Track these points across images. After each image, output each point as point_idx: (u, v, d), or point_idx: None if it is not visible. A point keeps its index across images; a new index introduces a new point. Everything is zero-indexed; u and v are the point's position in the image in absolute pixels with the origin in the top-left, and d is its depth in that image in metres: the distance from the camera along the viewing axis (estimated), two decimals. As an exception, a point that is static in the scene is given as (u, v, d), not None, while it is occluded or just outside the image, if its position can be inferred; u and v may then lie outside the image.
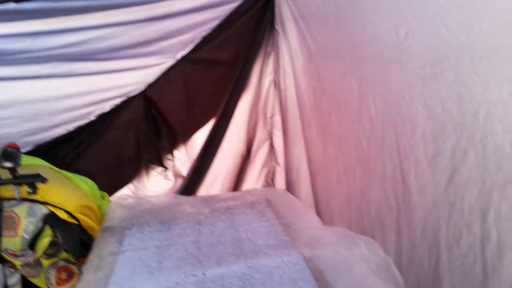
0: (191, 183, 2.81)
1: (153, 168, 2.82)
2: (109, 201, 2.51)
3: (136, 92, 2.38)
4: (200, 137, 2.77)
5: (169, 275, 1.61)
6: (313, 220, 2.13)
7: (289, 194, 2.58)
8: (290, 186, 2.84)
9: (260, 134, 2.92)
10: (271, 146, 3.01)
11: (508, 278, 1.26)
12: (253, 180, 2.98)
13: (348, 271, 1.54)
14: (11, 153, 1.66)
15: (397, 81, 1.64)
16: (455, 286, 1.50)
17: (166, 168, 2.86)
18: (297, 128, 2.64)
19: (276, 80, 2.79)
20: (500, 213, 1.27)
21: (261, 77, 2.77)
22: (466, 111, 1.33)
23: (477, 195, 1.34)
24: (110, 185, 2.63)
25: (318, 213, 2.48)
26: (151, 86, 2.41)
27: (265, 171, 3.03)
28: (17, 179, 1.72)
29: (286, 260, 1.64)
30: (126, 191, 2.70)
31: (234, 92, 2.70)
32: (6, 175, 1.77)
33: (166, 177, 2.88)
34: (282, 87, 2.69)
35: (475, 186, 1.35)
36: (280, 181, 2.96)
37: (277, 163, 2.98)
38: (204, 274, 1.60)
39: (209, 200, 2.55)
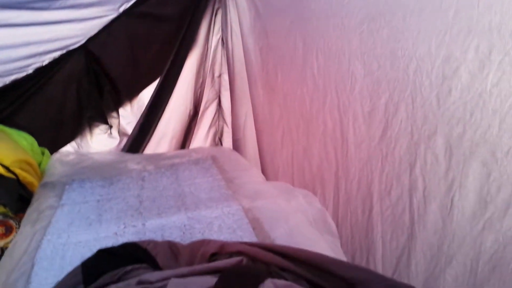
0: (136, 141, 2.77)
1: (96, 126, 2.75)
2: (50, 158, 2.45)
3: (76, 45, 2.29)
4: (147, 94, 2.72)
5: (108, 226, 1.61)
6: (257, 176, 2.18)
7: (235, 153, 2.61)
8: (236, 145, 2.86)
9: (208, 94, 2.90)
10: (219, 105, 3.00)
11: (432, 225, 1.35)
12: (200, 139, 2.98)
13: (285, 220, 1.60)
14: None
15: (337, 37, 1.67)
16: (386, 234, 1.58)
17: (110, 126, 2.80)
18: (244, 87, 2.64)
19: (224, 39, 2.76)
20: (426, 164, 1.35)
21: (208, 35, 2.73)
22: (398, 66, 1.38)
23: (406, 147, 1.41)
24: (51, 142, 2.56)
25: (263, 170, 2.53)
26: (92, 39, 2.32)
27: (212, 130, 3.03)
28: None
29: (226, 211, 1.68)
30: (68, 149, 2.63)
31: (181, 50, 2.65)
32: None
33: (110, 135, 2.82)
34: (230, 45, 2.67)
35: (404, 139, 1.42)
36: (227, 141, 2.98)
37: (225, 122, 2.99)
38: (143, 224, 1.61)
39: (155, 157, 2.54)
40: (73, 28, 2.20)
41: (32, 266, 1.36)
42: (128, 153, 2.69)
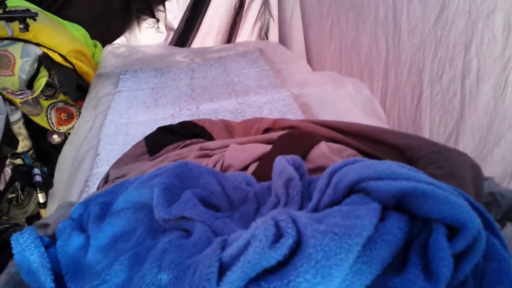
0: (183, 36, 2.79)
1: (144, 20, 2.77)
2: (102, 50, 2.52)
3: None
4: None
5: (164, 108, 1.70)
6: (304, 67, 2.18)
7: (282, 46, 2.60)
8: (283, 40, 2.83)
9: (252, -15, 2.82)
10: (265, -1, 2.93)
11: (483, 106, 1.35)
12: (246, 34, 2.95)
13: (334, 105, 1.63)
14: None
15: None
16: (434, 119, 1.60)
17: (157, 19, 2.82)
18: (292, -21, 2.55)
19: None
20: (482, 44, 1.31)
21: None
22: None
23: (462, 28, 1.37)
24: (101, 36, 2.62)
25: (310, 64, 2.52)
26: None
27: (258, 24, 2.98)
28: (7, 14, 1.70)
29: (276, 97, 1.72)
30: (118, 42, 2.69)
31: None
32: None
33: (157, 29, 2.85)
34: None
35: (461, 19, 1.37)
36: (273, 35, 2.94)
37: (271, 16, 2.92)
38: (197, 108, 1.69)
39: (202, 51, 2.57)
40: None
41: (99, 141, 1.48)
42: (175, 47, 2.73)
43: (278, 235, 0.57)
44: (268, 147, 1.03)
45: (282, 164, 0.79)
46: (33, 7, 2.06)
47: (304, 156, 0.91)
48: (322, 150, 0.91)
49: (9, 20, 1.72)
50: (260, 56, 2.28)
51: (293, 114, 1.56)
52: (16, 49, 1.88)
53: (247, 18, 2.93)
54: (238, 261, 0.52)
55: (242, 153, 1.00)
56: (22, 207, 1.89)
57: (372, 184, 0.55)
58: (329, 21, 2.29)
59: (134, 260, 0.66)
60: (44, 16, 2.06)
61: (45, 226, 0.89)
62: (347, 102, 1.67)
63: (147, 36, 2.81)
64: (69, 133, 2.15)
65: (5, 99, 1.88)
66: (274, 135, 1.13)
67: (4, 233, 0.97)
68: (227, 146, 1.11)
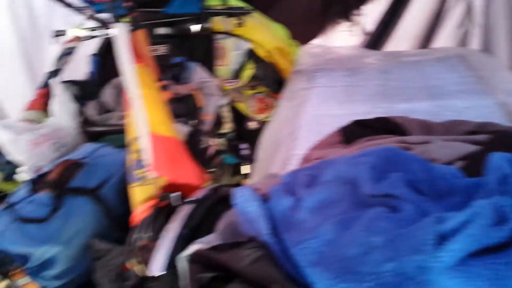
0: (377, 39, 2.79)
1: (339, 23, 2.86)
2: (298, 50, 2.69)
3: None
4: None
5: (358, 105, 1.75)
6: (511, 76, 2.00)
7: (484, 53, 2.42)
8: (486, 47, 2.62)
9: (458, -9, 2.68)
10: (468, 4, 2.74)
11: None
12: (444, 40, 2.81)
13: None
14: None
15: None
16: None
17: (353, 23, 2.88)
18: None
19: None
20: None
21: None
22: None
23: None
24: (299, 36, 2.78)
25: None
26: None
27: (459, 31, 2.82)
28: (228, 10, 1.95)
29: (478, 103, 1.62)
30: (314, 42, 2.84)
31: None
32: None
33: (352, 33, 2.91)
34: None
35: None
36: (475, 42, 2.74)
37: (473, 23, 2.73)
38: (391, 107, 1.69)
39: (396, 54, 2.55)
40: None
41: (296, 129, 1.61)
42: (368, 50, 2.75)
43: (498, 220, 0.56)
44: (474, 147, 0.99)
45: (498, 160, 0.77)
46: (246, 6, 2.30)
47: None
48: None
49: (229, 15, 1.97)
50: (460, 62, 2.16)
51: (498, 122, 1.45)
52: (229, 43, 2.14)
53: (447, 24, 2.79)
54: (458, 234, 0.54)
55: (447, 149, 0.98)
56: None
57: None
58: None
59: (341, 224, 0.71)
60: (255, 14, 2.29)
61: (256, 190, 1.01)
62: None
63: (341, 38, 2.89)
64: (264, 121, 2.36)
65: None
66: (482, 137, 1.08)
67: (219, 190, 1.13)
68: (427, 142, 1.10)
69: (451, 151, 0.98)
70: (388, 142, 1.14)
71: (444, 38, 2.81)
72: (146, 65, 1.11)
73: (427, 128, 1.30)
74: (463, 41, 2.80)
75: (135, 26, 1.04)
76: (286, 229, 0.78)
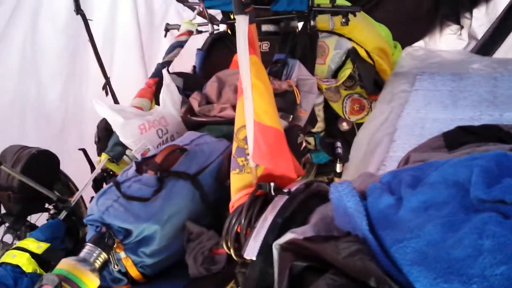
0: (487, 45, 2.63)
1: (448, 26, 2.73)
2: (401, 51, 2.61)
3: None
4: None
5: (463, 110, 1.67)
6: None
7: None
8: None
9: None
10: None
11: None
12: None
13: None
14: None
15: None
16: None
17: (462, 26, 2.74)
18: None
19: None
20: None
21: None
22: None
23: None
24: (402, 37, 2.71)
25: None
26: None
27: None
28: (335, 9, 1.95)
29: None
30: (418, 44, 2.74)
31: None
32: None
33: (459, 36, 2.77)
34: None
35: None
36: None
37: None
38: (501, 115, 1.59)
39: (506, 61, 2.38)
40: None
41: (395, 130, 1.57)
42: (476, 55, 2.60)
43: None
44: None
45: None
46: (353, 5, 2.28)
47: None
48: None
49: (334, 14, 1.97)
50: None
51: None
52: (331, 41, 2.14)
53: None
54: None
55: None
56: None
57: None
58: None
59: (448, 226, 0.69)
60: (359, 14, 2.27)
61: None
62: None
63: (447, 42, 2.77)
64: (357, 123, 2.32)
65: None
66: None
67: (312, 185, 1.14)
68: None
69: None
70: (500, 149, 1.07)
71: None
72: (258, 57, 1.15)
73: (541, 139, 1.21)
74: None
75: (250, 20, 1.09)
76: (385, 227, 0.77)
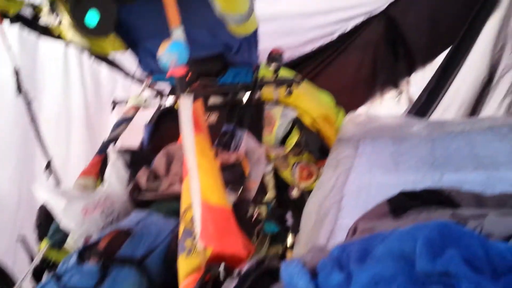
0: (423, 107, 2.78)
1: (387, 91, 2.88)
2: (343, 117, 2.71)
3: (378, 11, 2.43)
4: (439, 60, 2.69)
5: (405, 174, 1.73)
6: None
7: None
8: (538, 116, 2.55)
9: (507, 59, 2.66)
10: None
11: None
12: (492, 109, 2.77)
13: None
14: (275, 56, 1.96)
15: None
16: None
17: (400, 91, 2.90)
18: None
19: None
20: None
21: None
22: None
23: None
24: (345, 103, 2.82)
25: None
26: (394, 4, 2.42)
27: (507, 100, 2.77)
28: (279, 80, 2.02)
29: (536, 176, 1.56)
30: (359, 111, 2.86)
31: (482, 12, 2.49)
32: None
33: (399, 101, 2.92)
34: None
35: None
36: (524, 113, 2.68)
37: (523, 92, 2.69)
38: (440, 178, 1.65)
39: (442, 124, 2.52)
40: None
41: (342, 197, 1.60)
42: (413, 118, 2.74)
43: None
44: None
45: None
46: (296, 76, 2.39)
47: None
48: None
49: (279, 85, 2.04)
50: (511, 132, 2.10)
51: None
52: (277, 111, 2.20)
53: (495, 93, 2.76)
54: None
55: (503, 224, 0.95)
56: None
57: None
58: None
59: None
60: (303, 83, 2.36)
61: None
62: None
63: (388, 106, 2.90)
64: (306, 190, 2.34)
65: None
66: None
67: (264, 263, 1.12)
68: (482, 215, 1.06)
69: (506, 226, 0.94)
70: (441, 215, 1.11)
71: (493, 107, 2.77)
72: (203, 134, 1.15)
73: (479, 200, 1.26)
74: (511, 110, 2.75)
75: (195, 97, 1.10)
76: (337, 306, 0.76)
